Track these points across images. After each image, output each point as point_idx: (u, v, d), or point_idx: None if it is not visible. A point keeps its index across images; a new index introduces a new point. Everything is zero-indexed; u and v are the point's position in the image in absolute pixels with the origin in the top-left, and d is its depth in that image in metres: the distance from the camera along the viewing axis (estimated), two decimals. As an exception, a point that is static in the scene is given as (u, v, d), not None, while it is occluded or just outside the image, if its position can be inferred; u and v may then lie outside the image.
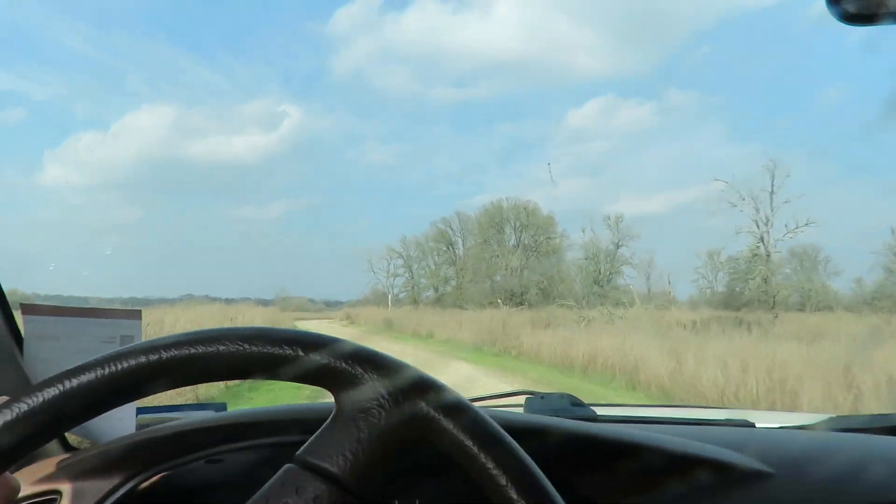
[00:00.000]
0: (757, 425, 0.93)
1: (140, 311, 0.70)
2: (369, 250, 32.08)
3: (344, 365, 0.41)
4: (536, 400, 1.10)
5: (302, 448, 0.41)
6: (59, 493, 0.66)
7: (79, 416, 0.39)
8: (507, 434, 0.41)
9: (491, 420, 0.41)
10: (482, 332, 13.87)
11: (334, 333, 0.45)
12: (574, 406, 1.07)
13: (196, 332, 0.41)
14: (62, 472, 0.67)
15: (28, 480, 0.68)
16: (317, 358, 0.41)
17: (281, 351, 0.40)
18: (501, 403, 1.16)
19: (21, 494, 0.67)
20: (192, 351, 0.40)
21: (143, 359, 0.39)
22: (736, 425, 0.95)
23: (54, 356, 0.73)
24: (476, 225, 31.48)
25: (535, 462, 0.40)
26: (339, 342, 0.42)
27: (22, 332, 0.75)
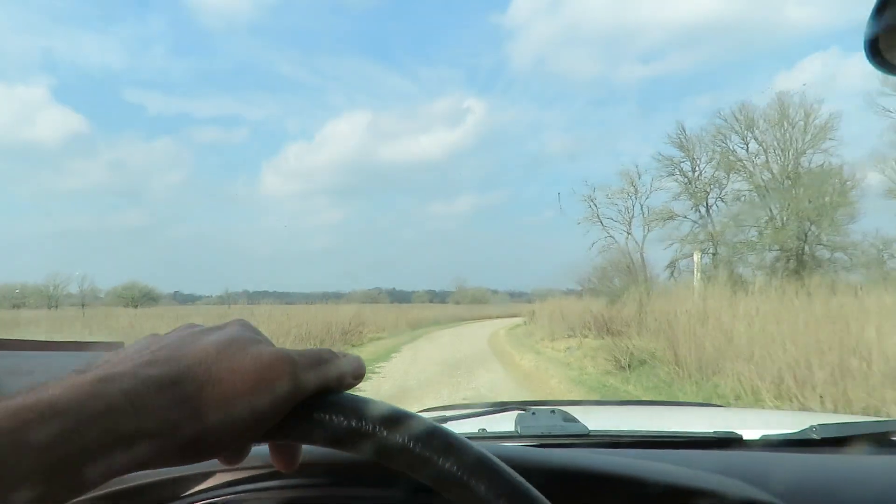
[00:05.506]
0: (744, 437, 0.95)
1: (122, 343, 0.68)
2: (590, 184, 20.82)
3: None
4: (527, 416, 1.10)
5: None
6: None
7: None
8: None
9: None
10: None
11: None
12: (566, 422, 1.07)
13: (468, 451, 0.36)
14: None
15: None
16: None
17: None
18: (492, 419, 1.16)
19: None
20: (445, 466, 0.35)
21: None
22: (724, 439, 0.96)
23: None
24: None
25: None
26: None
27: None
